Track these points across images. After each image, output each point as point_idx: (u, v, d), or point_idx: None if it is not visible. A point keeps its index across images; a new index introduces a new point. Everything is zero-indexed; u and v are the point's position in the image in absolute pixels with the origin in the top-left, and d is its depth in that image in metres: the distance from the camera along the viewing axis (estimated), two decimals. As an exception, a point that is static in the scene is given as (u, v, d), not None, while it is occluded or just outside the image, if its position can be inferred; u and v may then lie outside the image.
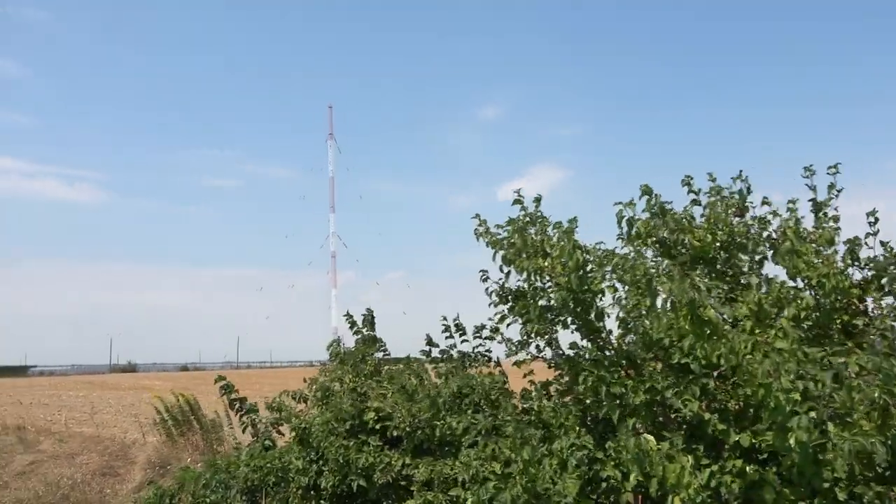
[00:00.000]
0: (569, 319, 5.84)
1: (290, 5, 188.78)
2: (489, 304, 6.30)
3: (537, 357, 6.41)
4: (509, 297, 6.25)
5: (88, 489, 12.58)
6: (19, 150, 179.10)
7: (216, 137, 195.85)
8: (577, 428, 5.44)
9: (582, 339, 5.96)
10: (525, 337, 6.31)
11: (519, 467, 5.06)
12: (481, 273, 6.26)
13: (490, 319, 6.45)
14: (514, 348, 6.47)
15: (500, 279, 6.19)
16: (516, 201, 6.07)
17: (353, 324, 7.72)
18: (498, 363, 7.22)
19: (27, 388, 40.07)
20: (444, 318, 7.15)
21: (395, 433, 6.42)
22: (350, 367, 7.40)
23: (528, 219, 6.00)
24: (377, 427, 6.58)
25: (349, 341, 8.02)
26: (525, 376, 6.42)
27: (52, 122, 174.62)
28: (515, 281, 6.07)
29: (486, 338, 7.14)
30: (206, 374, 78.66)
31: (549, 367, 6.43)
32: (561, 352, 6.19)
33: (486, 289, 6.29)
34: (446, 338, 7.39)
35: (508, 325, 6.29)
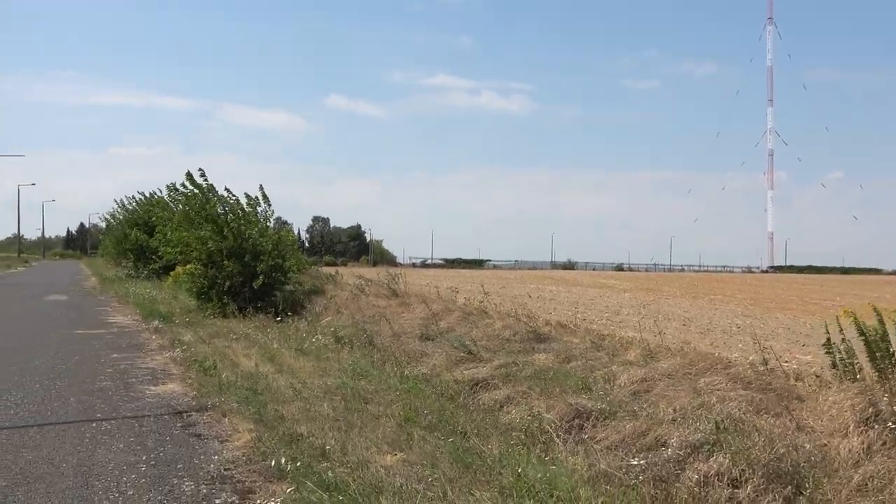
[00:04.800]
0: None
1: None
2: None
3: None
4: None
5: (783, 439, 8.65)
6: (463, 69, 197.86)
7: (634, 38, 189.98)
8: None
9: None
10: None
11: None
12: None
13: None
14: None
15: None
16: None
17: None
18: None
19: (497, 279, 41.13)
20: None
21: None
22: None
23: None
24: None
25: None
26: None
27: (489, 41, 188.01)
28: None
29: None
30: (650, 275, 68.30)
31: None
32: None
33: None
34: None
35: None
